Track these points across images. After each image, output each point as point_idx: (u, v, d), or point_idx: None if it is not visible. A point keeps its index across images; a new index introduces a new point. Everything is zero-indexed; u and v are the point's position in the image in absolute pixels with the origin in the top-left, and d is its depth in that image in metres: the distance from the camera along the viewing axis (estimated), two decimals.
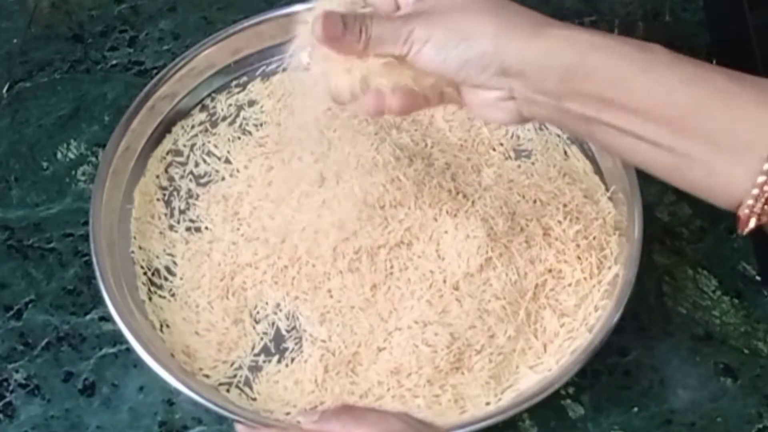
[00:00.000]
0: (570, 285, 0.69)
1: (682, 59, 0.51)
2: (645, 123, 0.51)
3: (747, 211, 0.49)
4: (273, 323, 0.69)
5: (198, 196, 0.75)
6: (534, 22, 0.54)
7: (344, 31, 0.55)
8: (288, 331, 0.68)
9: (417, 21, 0.55)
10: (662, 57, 0.51)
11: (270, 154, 0.76)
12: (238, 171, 0.75)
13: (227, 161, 0.76)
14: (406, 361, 0.65)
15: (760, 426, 0.66)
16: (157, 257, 0.72)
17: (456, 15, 0.55)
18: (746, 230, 0.50)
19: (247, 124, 0.79)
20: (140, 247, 0.72)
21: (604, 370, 0.68)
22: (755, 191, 0.48)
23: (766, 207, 0.48)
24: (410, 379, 0.65)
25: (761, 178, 0.48)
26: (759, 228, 0.50)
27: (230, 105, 0.79)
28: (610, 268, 0.69)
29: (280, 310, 0.69)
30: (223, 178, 0.75)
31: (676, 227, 0.74)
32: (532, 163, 0.75)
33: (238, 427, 0.62)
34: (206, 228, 0.73)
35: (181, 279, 0.70)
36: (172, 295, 0.70)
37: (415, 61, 0.55)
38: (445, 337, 0.65)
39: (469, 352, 0.66)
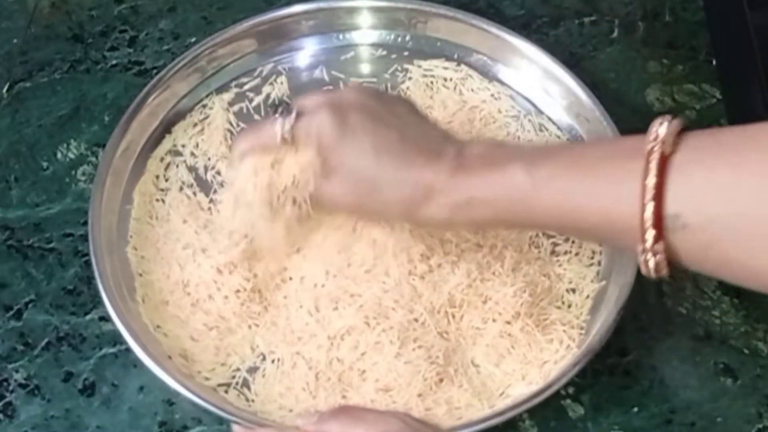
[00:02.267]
0: (559, 298, 0.69)
1: (537, 178, 0.57)
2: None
3: (646, 273, 0.55)
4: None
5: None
6: (435, 175, 0.60)
7: None
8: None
9: (327, 192, 0.63)
10: (523, 187, 0.58)
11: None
12: None
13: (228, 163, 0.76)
14: (392, 378, 0.65)
15: (760, 426, 0.66)
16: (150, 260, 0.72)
17: (365, 178, 0.61)
18: (649, 270, 0.55)
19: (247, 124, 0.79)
20: (134, 248, 0.72)
21: (604, 370, 0.68)
22: (642, 264, 0.55)
23: (657, 271, 0.55)
24: (401, 396, 0.65)
25: (641, 254, 0.54)
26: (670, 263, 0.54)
27: (230, 105, 0.79)
28: (593, 281, 0.70)
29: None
30: (222, 184, 0.75)
31: None
32: None
33: (235, 427, 0.62)
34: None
35: (176, 284, 0.70)
36: (165, 302, 0.70)
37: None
38: (424, 352, 0.65)
39: (453, 366, 0.66)
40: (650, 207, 0.51)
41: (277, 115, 0.63)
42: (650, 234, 0.52)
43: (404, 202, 0.60)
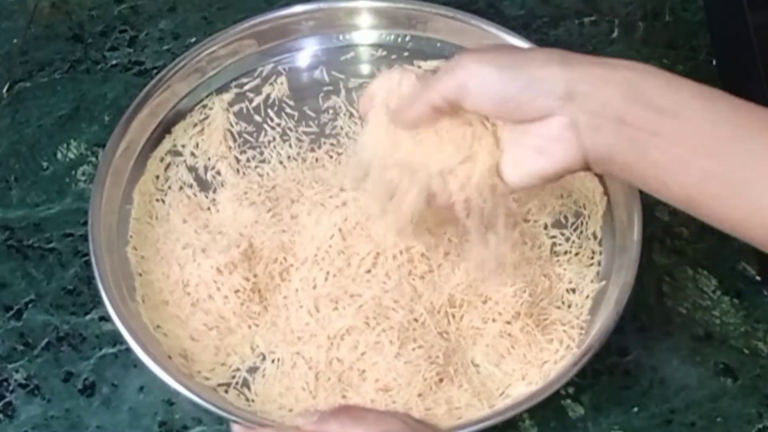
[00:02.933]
0: (559, 298, 0.69)
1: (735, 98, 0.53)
2: (695, 148, 0.52)
3: None
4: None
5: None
6: (594, 56, 0.56)
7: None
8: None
9: (468, 55, 0.57)
10: (717, 91, 0.53)
11: None
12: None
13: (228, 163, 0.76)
14: (392, 378, 0.65)
15: (760, 426, 0.66)
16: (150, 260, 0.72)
17: (511, 50, 0.59)
18: None
19: (248, 125, 0.79)
20: (134, 248, 0.72)
21: (604, 370, 0.68)
22: None
23: None
24: (401, 396, 0.65)
25: None
26: None
27: (230, 105, 0.80)
28: (593, 281, 0.70)
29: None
30: (223, 184, 0.75)
31: (676, 227, 0.74)
32: None
33: (235, 427, 0.62)
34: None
35: (176, 284, 0.70)
36: (165, 302, 0.70)
37: (471, 92, 0.56)
38: (424, 352, 0.65)
39: (453, 366, 0.66)
40: None
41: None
42: None
43: (555, 58, 0.55)
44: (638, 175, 0.55)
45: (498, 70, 0.55)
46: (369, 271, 0.68)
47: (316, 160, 0.76)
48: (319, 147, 0.77)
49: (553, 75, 0.54)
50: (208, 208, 0.74)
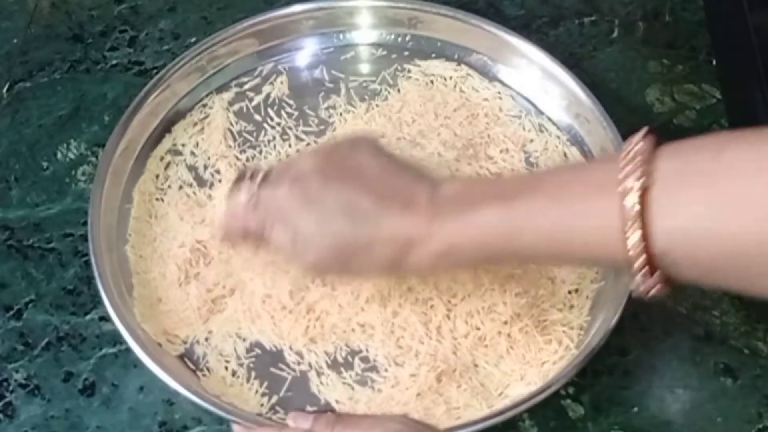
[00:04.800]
0: (560, 300, 0.69)
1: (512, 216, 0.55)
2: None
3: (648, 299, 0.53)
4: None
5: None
6: (413, 226, 0.57)
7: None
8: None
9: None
10: (519, 214, 0.55)
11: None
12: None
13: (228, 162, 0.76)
14: (391, 377, 0.65)
15: (760, 426, 0.66)
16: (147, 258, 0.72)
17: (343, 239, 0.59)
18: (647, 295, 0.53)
19: (248, 124, 0.79)
20: (133, 247, 0.72)
21: (604, 370, 0.68)
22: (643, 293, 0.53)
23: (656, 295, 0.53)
24: (400, 395, 0.65)
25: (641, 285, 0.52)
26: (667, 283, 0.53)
27: (230, 104, 0.80)
28: (592, 281, 0.70)
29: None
30: (221, 180, 0.75)
31: None
32: (534, 169, 0.75)
33: (235, 428, 0.62)
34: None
35: (171, 282, 0.70)
36: (159, 299, 0.70)
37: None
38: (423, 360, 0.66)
39: (452, 366, 0.66)
40: (638, 248, 0.50)
41: (245, 179, 0.62)
42: (643, 270, 0.51)
43: (386, 259, 0.58)
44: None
45: None
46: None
47: None
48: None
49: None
50: (206, 205, 0.74)
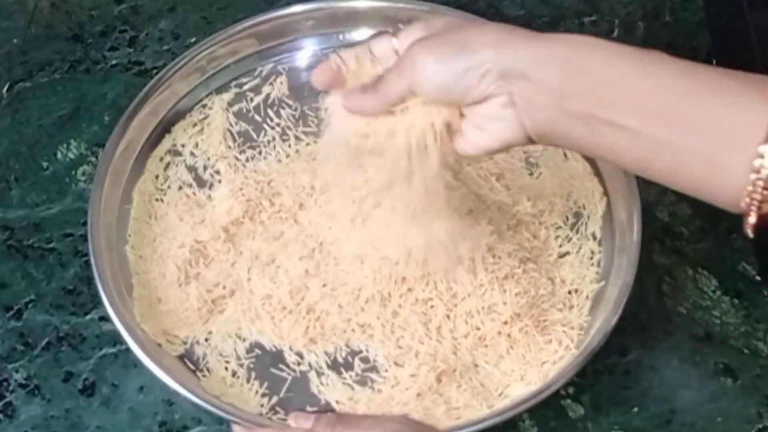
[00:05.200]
0: (561, 300, 0.69)
1: (677, 59, 0.52)
2: (640, 116, 0.51)
3: (746, 201, 0.49)
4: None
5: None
6: (532, 33, 0.55)
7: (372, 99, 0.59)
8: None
9: (417, 45, 0.57)
10: (657, 55, 0.52)
11: None
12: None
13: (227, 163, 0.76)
14: (391, 378, 0.65)
15: (760, 426, 0.66)
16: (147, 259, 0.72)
17: (455, 31, 0.57)
18: (749, 225, 0.50)
19: (247, 125, 0.79)
20: (133, 247, 0.72)
21: (604, 370, 0.68)
22: (751, 183, 0.48)
23: (765, 195, 0.48)
24: (400, 395, 0.65)
25: (756, 166, 0.48)
26: (763, 223, 0.49)
27: (230, 105, 0.80)
28: (592, 282, 0.70)
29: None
30: (220, 181, 0.75)
31: (676, 227, 0.74)
32: (534, 169, 0.75)
33: (236, 428, 0.62)
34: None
35: (171, 282, 0.70)
36: (159, 299, 0.70)
37: (420, 84, 0.57)
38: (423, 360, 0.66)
39: (452, 366, 0.66)
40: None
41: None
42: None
43: (501, 35, 0.55)
44: (588, 149, 0.56)
45: (439, 63, 0.56)
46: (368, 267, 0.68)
47: (314, 159, 0.76)
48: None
49: (487, 60, 0.54)
50: (205, 205, 0.74)
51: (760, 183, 0.48)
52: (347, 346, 0.68)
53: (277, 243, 0.70)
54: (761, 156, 0.48)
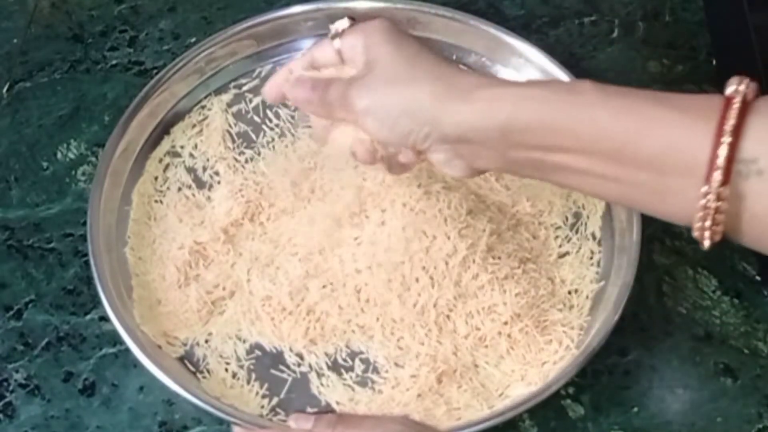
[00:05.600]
0: (561, 300, 0.69)
1: (610, 93, 0.53)
2: (587, 159, 0.53)
3: (699, 230, 0.50)
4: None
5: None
6: (462, 86, 0.55)
7: (311, 95, 0.60)
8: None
9: (356, 93, 0.58)
10: (590, 96, 0.53)
11: None
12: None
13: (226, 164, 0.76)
14: (392, 376, 0.66)
15: (760, 426, 0.66)
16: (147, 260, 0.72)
17: (390, 88, 0.57)
18: (706, 246, 0.51)
19: (246, 126, 0.79)
20: (132, 248, 0.72)
21: (604, 370, 0.68)
22: (700, 212, 0.49)
23: (714, 225, 0.49)
24: (400, 396, 0.65)
25: (703, 198, 0.49)
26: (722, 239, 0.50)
27: (229, 106, 0.80)
28: (592, 282, 0.70)
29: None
30: (219, 182, 0.75)
31: (676, 227, 0.74)
32: None
33: (236, 429, 0.62)
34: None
35: (170, 284, 0.70)
36: (159, 301, 0.70)
37: (363, 129, 0.59)
38: (423, 360, 0.66)
39: (452, 367, 0.66)
40: (725, 146, 0.48)
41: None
42: (718, 175, 0.48)
43: (438, 94, 0.55)
44: (541, 179, 0.58)
45: (377, 121, 0.57)
46: (368, 267, 0.68)
47: (312, 159, 0.76)
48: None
49: (426, 124, 0.56)
50: (205, 206, 0.74)
51: (709, 217, 0.49)
52: (347, 347, 0.68)
53: (277, 244, 0.70)
54: (705, 193, 0.49)
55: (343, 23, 0.61)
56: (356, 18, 0.62)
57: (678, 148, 0.50)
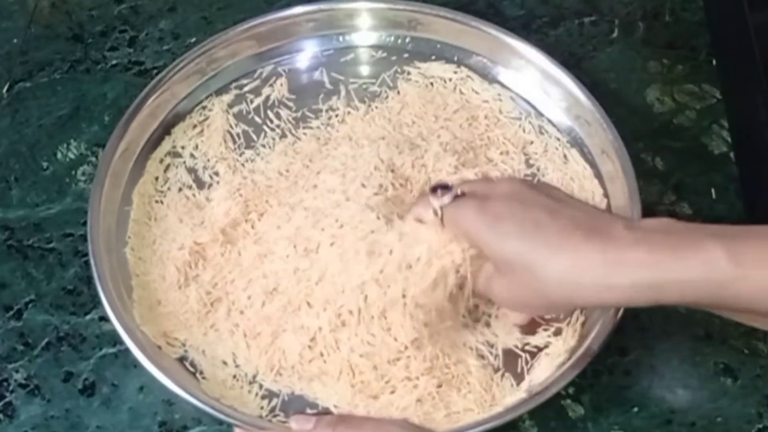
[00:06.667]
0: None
1: (747, 265, 0.51)
2: (749, 314, 0.54)
3: None
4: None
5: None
6: (595, 269, 0.53)
7: None
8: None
9: (497, 291, 0.60)
10: (728, 274, 0.51)
11: None
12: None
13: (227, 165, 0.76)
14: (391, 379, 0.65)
15: (760, 426, 0.66)
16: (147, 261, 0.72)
17: (526, 291, 0.56)
18: None
19: (247, 126, 0.79)
20: (132, 249, 0.72)
21: (604, 370, 0.68)
22: None
23: None
24: (400, 400, 0.65)
25: None
26: None
27: (230, 107, 0.80)
28: None
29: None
30: (218, 182, 0.75)
31: None
32: (537, 169, 0.75)
33: (236, 430, 0.62)
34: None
35: (171, 284, 0.70)
36: (159, 302, 0.70)
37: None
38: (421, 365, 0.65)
39: (452, 371, 0.66)
40: None
41: (437, 193, 0.61)
42: None
43: (563, 282, 0.53)
44: None
45: (512, 305, 0.60)
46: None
47: (311, 160, 0.76)
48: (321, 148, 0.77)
49: (556, 306, 0.59)
50: (205, 207, 0.74)
51: None
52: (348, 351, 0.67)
53: (275, 244, 0.70)
54: None
55: (442, 200, 0.61)
56: (451, 186, 0.62)
57: None
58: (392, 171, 0.71)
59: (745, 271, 0.50)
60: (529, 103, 0.79)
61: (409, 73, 0.81)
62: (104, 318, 0.70)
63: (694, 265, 0.51)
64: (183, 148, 0.77)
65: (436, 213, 0.61)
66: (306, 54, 0.82)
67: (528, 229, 0.55)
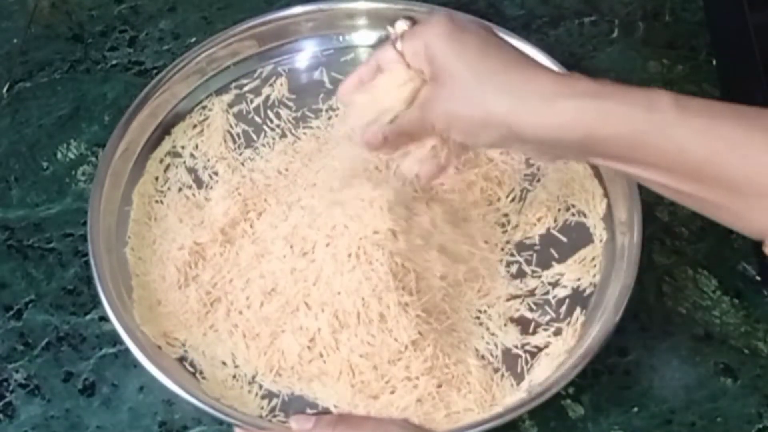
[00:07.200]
0: (561, 303, 0.69)
1: (691, 111, 0.52)
2: (666, 175, 0.53)
3: None
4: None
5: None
6: (536, 96, 0.55)
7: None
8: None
9: (434, 116, 0.58)
10: (670, 115, 0.52)
11: None
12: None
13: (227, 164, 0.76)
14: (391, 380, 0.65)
15: (760, 426, 0.66)
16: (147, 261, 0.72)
17: (465, 107, 0.57)
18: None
19: (247, 126, 0.79)
20: (132, 249, 0.72)
21: (604, 370, 0.68)
22: None
23: None
24: (400, 400, 0.65)
25: None
26: None
27: (230, 107, 0.80)
28: (592, 282, 0.70)
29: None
30: (218, 182, 0.75)
31: (676, 227, 0.74)
32: (536, 169, 0.75)
33: (236, 430, 0.62)
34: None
35: (170, 284, 0.70)
36: (159, 302, 0.70)
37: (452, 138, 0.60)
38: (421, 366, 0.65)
39: (452, 371, 0.66)
40: None
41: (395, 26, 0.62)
42: None
43: (514, 110, 0.55)
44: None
45: (463, 137, 0.58)
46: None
47: (310, 159, 0.76)
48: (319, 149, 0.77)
49: (503, 137, 0.56)
50: (204, 207, 0.74)
51: None
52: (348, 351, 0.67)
53: (272, 244, 0.70)
54: None
55: (401, 25, 0.61)
56: (414, 18, 0.62)
57: (762, 172, 0.50)
58: (392, 171, 0.71)
59: (686, 118, 0.51)
60: None
61: None
62: (104, 318, 0.70)
63: (638, 99, 0.52)
64: (183, 147, 0.77)
65: (395, 42, 0.61)
66: (306, 54, 0.82)
67: (492, 44, 0.57)
